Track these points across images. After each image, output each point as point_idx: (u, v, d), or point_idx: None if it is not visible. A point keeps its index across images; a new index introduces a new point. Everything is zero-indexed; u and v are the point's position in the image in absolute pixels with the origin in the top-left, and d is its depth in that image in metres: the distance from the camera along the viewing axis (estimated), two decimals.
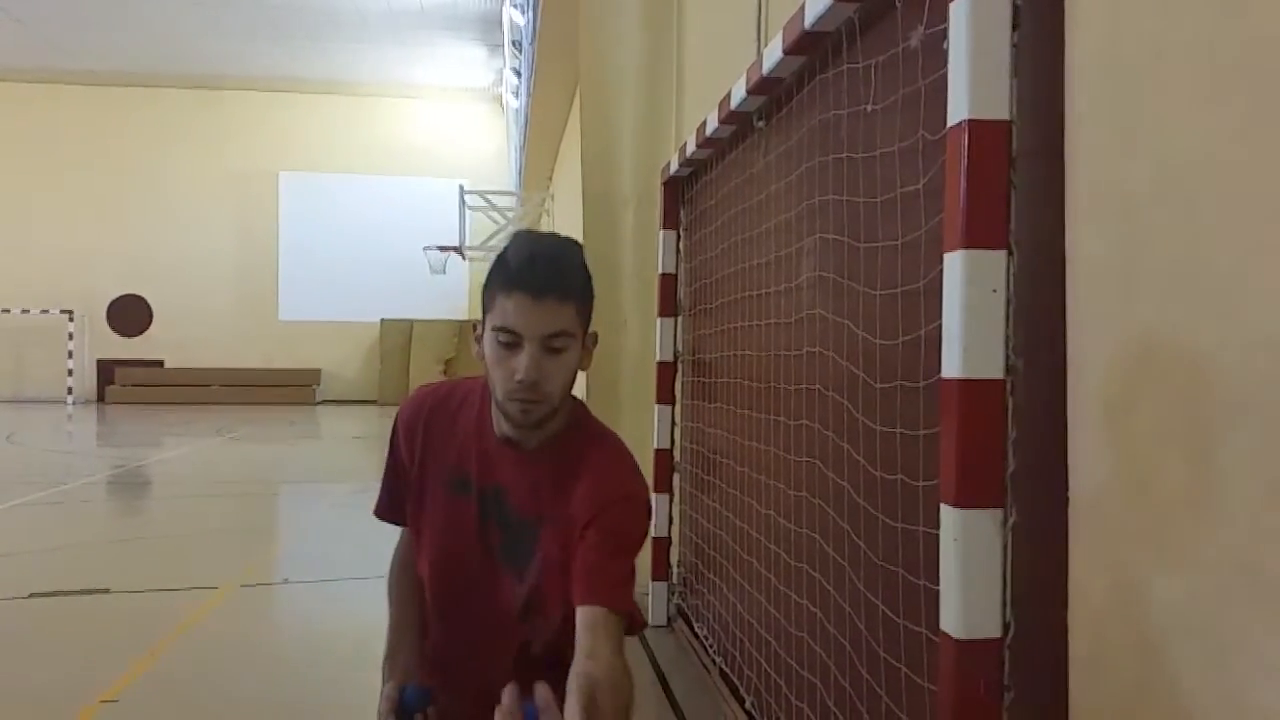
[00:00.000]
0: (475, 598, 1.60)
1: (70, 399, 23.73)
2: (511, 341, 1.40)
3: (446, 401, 1.63)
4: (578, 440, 1.55)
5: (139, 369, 24.94)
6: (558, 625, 1.56)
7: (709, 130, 3.63)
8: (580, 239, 6.53)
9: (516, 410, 1.44)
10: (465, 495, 1.57)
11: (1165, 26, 1.31)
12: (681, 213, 4.62)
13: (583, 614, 1.42)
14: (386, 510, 1.72)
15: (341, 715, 3.86)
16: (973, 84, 1.53)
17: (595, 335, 1.52)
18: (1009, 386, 1.55)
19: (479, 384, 1.59)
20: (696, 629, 4.31)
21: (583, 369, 1.51)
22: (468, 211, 20.04)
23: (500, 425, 1.54)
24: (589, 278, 1.49)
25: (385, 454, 1.69)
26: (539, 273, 1.40)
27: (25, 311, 24.12)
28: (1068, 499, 1.48)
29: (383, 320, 25.33)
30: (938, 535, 1.60)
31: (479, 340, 1.48)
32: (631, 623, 1.49)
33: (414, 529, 1.66)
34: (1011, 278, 1.54)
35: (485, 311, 1.45)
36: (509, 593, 1.57)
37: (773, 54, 2.74)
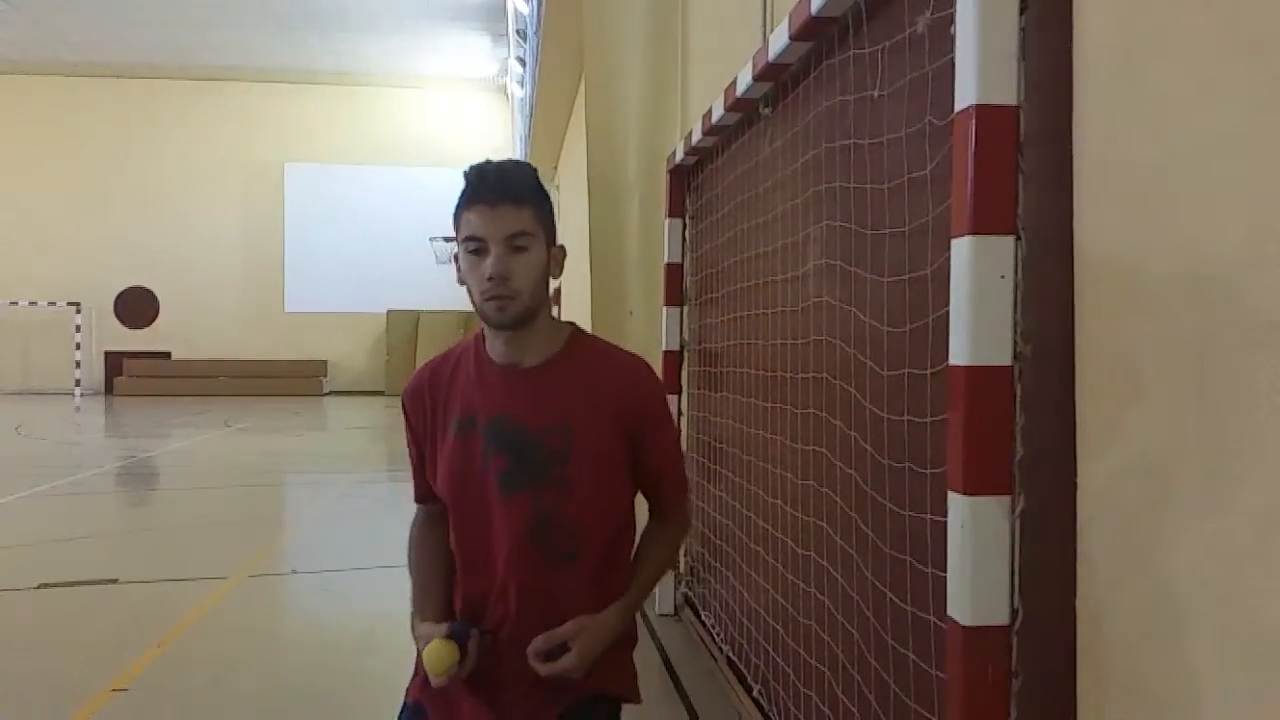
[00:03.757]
0: (489, 532, 1.65)
1: (78, 391, 23.81)
2: (479, 248, 1.56)
3: (444, 363, 1.74)
4: (578, 354, 1.67)
5: (146, 361, 25.06)
6: (597, 543, 1.65)
7: (715, 118, 3.61)
8: (586, 229, 6.47)
9: (493, 309, 1.56)
10: (472, 433, 1.65)
11: (1174, 9, 1.30)
12: (687, 201, 4.60)
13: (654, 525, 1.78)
14: (422, 493, 1.80)
15: (349, 704, 3.87)
16: (980, 69, 1.52)
17: (563, 248, 1.67)
18: (1017, 373, 1.54)
19: (473, 337, 1.71)
20: (704, 618, 4.31)
21: (554, 276, 1.65)
22: None
23: (494, 347, 1.65)
24: (543, 189, 1.63)
25: (404, 441, 1.78)
26: (491, 183, 1.56)
27: (33, 304, 24.20)
28: (1076, 485, 1.48)
29: (389, 311, 25.38)
30: (945, 523, 1.59)
31: (459, 266, 1.61)
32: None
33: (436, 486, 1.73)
34: (1019, 263, 1.53)
35: (457, 235, 1.59)
36: (519, 517, 1.61)
37: (779, 40, 2.72)
